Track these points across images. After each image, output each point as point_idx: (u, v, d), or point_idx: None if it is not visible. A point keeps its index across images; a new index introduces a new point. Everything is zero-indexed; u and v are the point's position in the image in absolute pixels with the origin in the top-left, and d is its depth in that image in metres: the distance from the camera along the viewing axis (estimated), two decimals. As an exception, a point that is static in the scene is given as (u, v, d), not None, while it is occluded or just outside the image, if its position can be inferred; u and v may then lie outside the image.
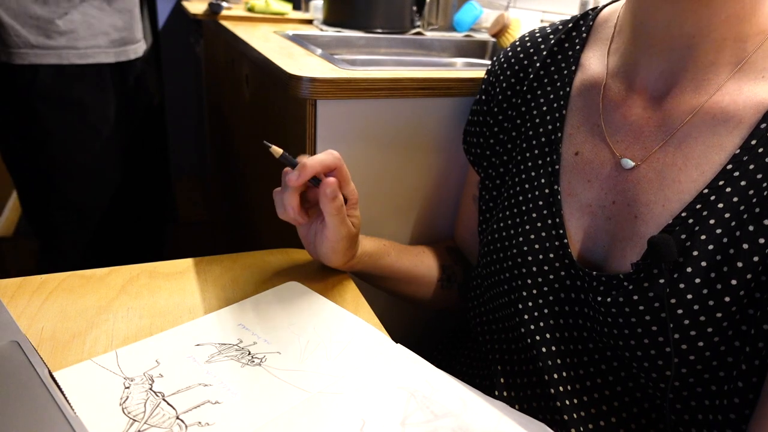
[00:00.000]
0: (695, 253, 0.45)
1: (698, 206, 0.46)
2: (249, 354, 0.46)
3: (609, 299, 0.49)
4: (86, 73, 1.09)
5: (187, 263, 0.59)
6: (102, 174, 1.19)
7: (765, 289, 0.43)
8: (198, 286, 0.55)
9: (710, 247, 0.45)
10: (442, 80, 0.75)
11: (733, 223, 0.44)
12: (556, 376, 0.54)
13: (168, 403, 0.40)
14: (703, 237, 0.45)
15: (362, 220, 0.61)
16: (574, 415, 0.53)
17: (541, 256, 0.55)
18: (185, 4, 1.60)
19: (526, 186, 0.58)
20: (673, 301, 0.45)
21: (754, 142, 0.45)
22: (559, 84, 0.59)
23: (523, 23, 1.06)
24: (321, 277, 0.59)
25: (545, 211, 0.56)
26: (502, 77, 0.64)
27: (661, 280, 0.46)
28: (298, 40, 0.99)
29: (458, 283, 0.74)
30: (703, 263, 0.45)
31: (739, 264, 0.43)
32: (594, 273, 0.51)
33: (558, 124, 0.57)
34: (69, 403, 0.36)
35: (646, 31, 0.50)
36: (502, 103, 0.64)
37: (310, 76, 0.68)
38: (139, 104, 1.25)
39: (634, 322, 0.47)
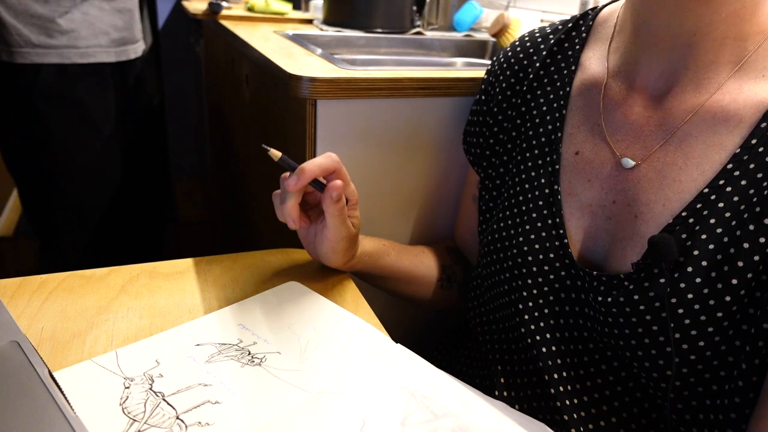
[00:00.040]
0: (696, 252, 0.45)
1: (699, 205, 0.46)
2: (249, 354, 0.46)
3: (609, 299, 0.49)
4: (87, 73, 1.09)
5: (187, 263, 0.59)
6: (102, 173, 1.19)
7: (765, 288, 0.43)
8: (198, 286, 0.55)
9: (711, 246, 0.45)
10: (442, 80, 0.75)
11: (734, 223, 0.44)
12: (556, 376, 0.54)
13: (168, 403, 0.40)
14: (703, 236, 0.45)
15: (362, 220, 0.61)
16: (575, 415, 0.53)
17: (541, 256, 0.55)
18: (185, 3, 1.60)
19: (526, 186, 0.58)
20: (673, 300, 0.45)
21: (754, 141, 0.45)
22: (559, 84, 0.59)
23: (523, 23, 1.06)
24: (321, 277, 0.59)
25: (545, 211, 0.56)
26: (501, 77, 0.64)
27: (662, 280, 0.46)
28: (298, 39, 0.99)
29: (458, 283, 0.74)
30: (704, 263, 0.45)
31: (740, 263, 0.43)
32: (594, 273, 0.51)
33: (558, 124, 0.57)
34: (69, 403, 0.36)
35: (647, 29, 0.50)
36: (501, 103, 0.64)
37: (310, 75, 0.68)
38: (139, 104, 1.25)
39: (635, 322, 0.47)
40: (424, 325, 0.93)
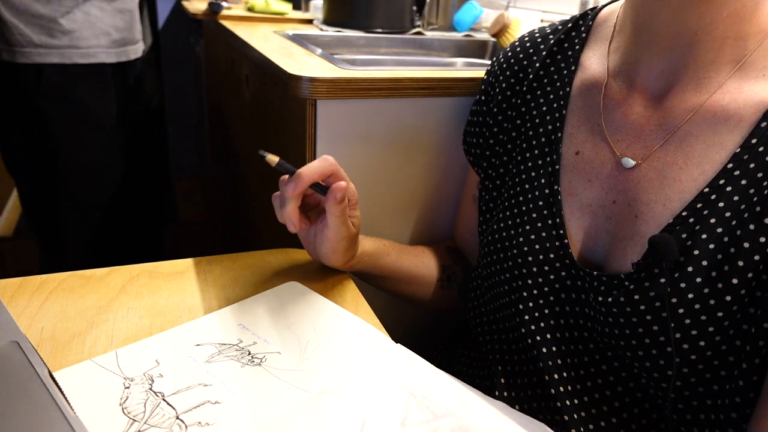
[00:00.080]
0: (696, 252, 0.45)
1: (699, 205, 0.46)
2: (249, 354, 0.46)
3: (610, 299, 0.49)
4: (88, 73, 1.10)
5: (187, 263, 0.59)
6: (102, 173, 1.19)
7: (766, 287, 0.43)
8: (198, 286, 0.55)
9: (711, 246, 0.45)
10: (442, 80, 0.75)
11: (734, 222, 0.44)
12: (556, 376, 0.54)
13: (168, 403, 0.40)
14: (704, 236, 0.45)
15: (362, 220, 0.61)
16: (575, 416, 0.53)
17: (541, 256, 0.55)
18: (185, 3, 1.60)
19: (526, 186, 0.58)
20: (674, 300, 0.45)
21: (754, 140, 0.45)
22: (558, 84, 0.59)
23: (523, 23, 1.06)
24: (321, 277, 0.59)
25: (545, 211, 0.56)
26: (501, 77, 0.64)
27: (662, 280, 0.46)
28: (298, 39, 0.99)
29: (458, 283, 0.74)
30: (704, 262, 0.45)
31: (740, 263, 0.43)
32: (594, 273, 0.51)
33: (558, 124, 0.57)
34: (69, 403, 0.36)
35: (648, 28, 0.49)
36: (501, 104, 0.64)
37: (310, 76, 0.68)
38: (139, 104, 1.26)
39: (635, 322, 0.47)
40: (424, 325, 0.93)
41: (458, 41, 1.24)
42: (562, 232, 0.54)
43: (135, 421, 0.39)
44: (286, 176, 0.52)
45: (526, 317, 0.56)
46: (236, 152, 1.24)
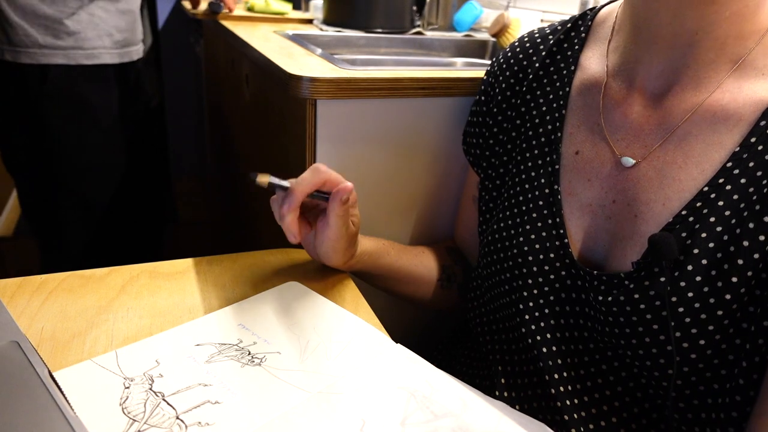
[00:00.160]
0: (696, 251, 0.45)
1: (698, 204, 0.46)
2: (249, 354, 0.46)
3: (610, 298, 0.49)
4: (92, 73, 1.10)
5: (187, 263, 0.59)
6: (103, 173, 1.19)
7: (765, 286, 0.43)
8: (198, 286, 0.55)
9: (711, 245, 0.45)
10: (442, 80, 0.75)
11: (734, 221, 0.44)
12: (556, 376, 0.54)
13: (168, 403, 0.40)
14: (703, 235, 0.45)
15: (362, 220, 0.61)
16: (575, 416, 0.53)
17: (541, 256, 0.55)
18: (185, 3, 1.60)
19: (526, 186, 0.58)
20: (674, 299, 0.45)
21: (753, 139, 0.45)
22: (558, 84, 0.59)
23: (523, 23, 1.06)
24: (321, 277, 0.59)
25: (545, 211, 0.56)
26: (501, 78, 0.64)
27: (662, 279, 0.46)
28: (298, 39, 0.99)
29: (458, 283, 0.74)
30: (704, 261, 0.45)
31: (740, 261, 0.43)
32: (595, 272, 0.51)
33: (558, 124, 0.57)
34: (69, 403, 0.36)
35: (648, 28, 0.49)
36: (501, 104, 0.64)
37: (310, 75, 0.68)
38: (140, 104, 1.26)
39: (635, 321, 0.47)
40: (424, 325, 0.93)
41: (458, 41, 1.24)
42: (562, 231, 0.54)
43: (135, 421, 0.39)
44: (289, 179, 0.52)
45: (526, 317, 0.56)
46: (236, 152, 1.24)
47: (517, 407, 0.56)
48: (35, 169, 1.14)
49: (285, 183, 0.52)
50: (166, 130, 1.52)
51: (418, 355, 0.48)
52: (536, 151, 0.59)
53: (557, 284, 0.54)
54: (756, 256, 0.43)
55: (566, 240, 0.54)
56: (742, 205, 0.44)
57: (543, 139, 0.58)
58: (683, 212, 0.47)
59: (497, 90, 0.64)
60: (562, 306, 0.54)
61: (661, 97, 0.50)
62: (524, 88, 0.62)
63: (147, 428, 0.38)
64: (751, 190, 0.44)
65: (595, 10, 0.61)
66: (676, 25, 0.47)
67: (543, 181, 0.57)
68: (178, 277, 0.56)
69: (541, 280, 0.55)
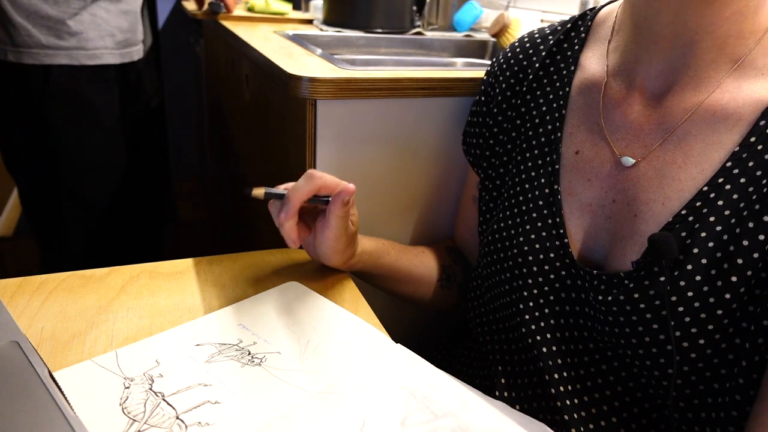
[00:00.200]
0: (695, 250, 0.45)
1: (698, 204, 0.46)
2: (249, 354, 0.46)
3: (610, 298, 0.49)
4: (94, 74, 1.10)
5: (187, 263, 0.59)
6: (104, 173, 1.20)
7: (765, 285, 0.43)
8: (198, 286, 0.55)
9: (710, 244, 0.45)
10: (442, 80, 0.75)
11: (733, 221, 0.44)
12: (556, 376, 0.54)
13: (168, 403, 0.40)
14: (703, 234, 0.45)
15: (362, 220, 0.61)
16: (575, 415, 0.53)
17: (541, 256, 0.55)
18: (185, 3, 1.60)
19: (526, 186, 0.58)
20: (674, 298, 0.45)
21: (753, 139, 0.45)
22: (558, 84, 0.59)
23: (523, 23, 1.06)
24: (321, 277, 0.59)
25: (545, 211, 0.56)
26: (501, 78, 0.64)
27: (662, 278, 0.46)
28: (298, 40, 0.99)
29: (458, 283, 0.74)
30: (704, 261, 0.45)
31: (740, 261, 0.43)
32: (594, 272, 0.51)
33: (558, 124, 0.57)
34: (69, 403, 0.36)
35: (649, 27, 0.49)
36: (501, 104, 0.64)
37: (310, 76, 0.68)
38: (140, 104, 1.26)
39: (635, 321, 0.47)
40: (424, 325, 0.93)
41: (458, 41, 1.24)
42: (562, 231, 0.54)
43: (135, 421, 0.39)
44: (289, 183, 0.53)
45: (526, 317, 0.56)
46: (236, 152, 1.24)
47: (517, 407, 0.56)
48: (36, 169, 1.14)
49: (281, 191, 0.52)
50: (166, 130, 1.52)
51: (418, 355, 0.48)
52: (536, 151, 0.59)
53: (557, 284, 0.54)
54: (755, 255, 0.43)
55: (566, 240, 0.54)
56: (742, 205, 0.44)
57: (543, 139, 0.58)
58: (683, 212, 0.47)
59: (497, 90, 0.64)
60: (562, 306, 0.54)
61: (661, 96, 0.50)
62: (524, 88, 0.62)
63: (147, 428, 0.38)
64: (750, 189, 0.44)
65: (595, 10, 0.61)
66: (677, 25, 0.47)
67: (543, 180, 0.57)
68: (178, 277, 0.56)
69: (541, 279, 0.55)
